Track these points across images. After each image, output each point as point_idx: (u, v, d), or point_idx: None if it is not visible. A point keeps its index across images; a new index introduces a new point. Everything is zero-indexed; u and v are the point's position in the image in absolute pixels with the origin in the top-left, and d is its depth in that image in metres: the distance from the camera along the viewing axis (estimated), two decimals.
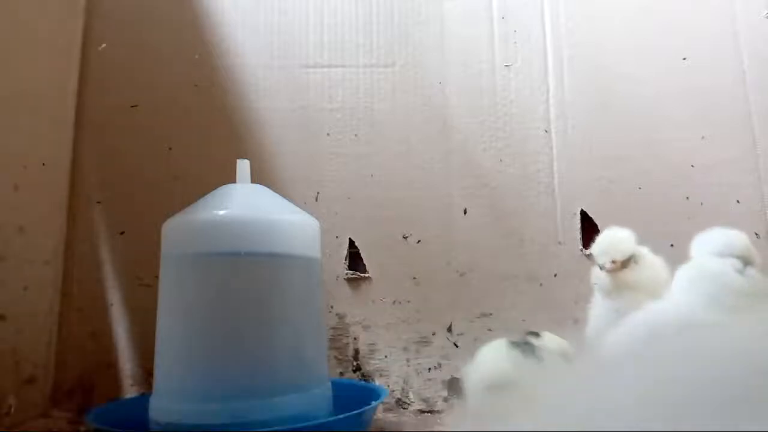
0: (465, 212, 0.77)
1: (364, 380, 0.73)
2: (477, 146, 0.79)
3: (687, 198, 0.76)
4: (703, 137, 0.77)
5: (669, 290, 0.52)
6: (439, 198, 0.78)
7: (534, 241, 0.76)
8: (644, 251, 0.58)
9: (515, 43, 0.81)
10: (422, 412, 0.71)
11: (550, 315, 0.72)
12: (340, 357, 0.74)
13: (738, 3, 0.80)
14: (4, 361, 0.63)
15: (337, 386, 0.57)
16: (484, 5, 0.82)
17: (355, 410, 0.51)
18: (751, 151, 0.77)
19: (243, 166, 0.59)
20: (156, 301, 0.54)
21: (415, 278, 0.76)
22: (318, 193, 0.78)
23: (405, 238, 0.77)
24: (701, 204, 0.76)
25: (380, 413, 0.68)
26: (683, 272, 0.52)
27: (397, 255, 0.76)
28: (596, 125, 0.79)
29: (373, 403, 0.54)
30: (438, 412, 0.71)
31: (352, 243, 0.77)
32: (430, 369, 0.73)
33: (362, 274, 0.76)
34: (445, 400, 0.72)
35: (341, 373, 0.73)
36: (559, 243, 0.76)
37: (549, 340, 0.53)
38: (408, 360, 0.74)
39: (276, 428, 0.47)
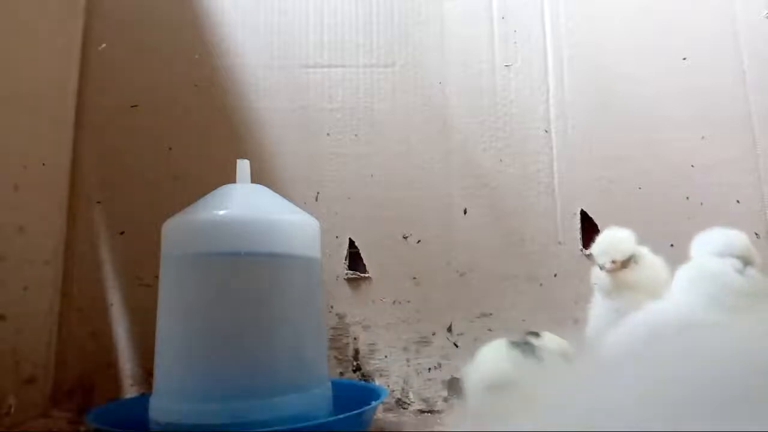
0: (465, 212, 0.77)
1: (364, 380, 0.73)
2: (477, 146, 0.79)
3: (687, 198, 0.76)
4: (703, 137, 0.77)
5: (669, 290, 0.52)
6: (439, 198, 0.78)
7: (534, 241, 0.76)
8: (644, 251, 0.58)
9: (515, 43, 0.81)
10: (422, 412, 0.71)
11: (550, 315, 0.72)
12: (340, 357, 0.74)
13: (738, 3, 0.80)
14: (4, 361, 0.63)
15: (337, 386, 0.57)
16: (484, 5, 0.82)
17: (355, 410, 0.51)
18: (751, 151, 0.77)
19: (243, 166, 0.59)
20: (156, 301, 0.54)
21: (415, 278, 0.76)
22: (318, 193, 0.78)
23: (405, 238, 0.77)
24: (701, 204, 0.76)
25: (380, 413, 0.68)
26: (683, 272, 0.52)
27: (397, 255, 0.76)
28: (596, 125, 0.79)
29: (373, 403, 0.54)
30: (438, 412, 0.71)
31: (352, 243, 0.77)
32: (430, 369, 0.73)
33: (362, 274, 0.76)
34: (445, 400, 0.72)
35: (341, 373, 0.73)
36: (559, 243, 0.76)
37: (549, 340, 0.53)
38: (408, 360, 0.74)
39: (276, 428, 0.47)
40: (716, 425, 0.19)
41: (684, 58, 0.80)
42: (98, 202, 0.77)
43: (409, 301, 0.75)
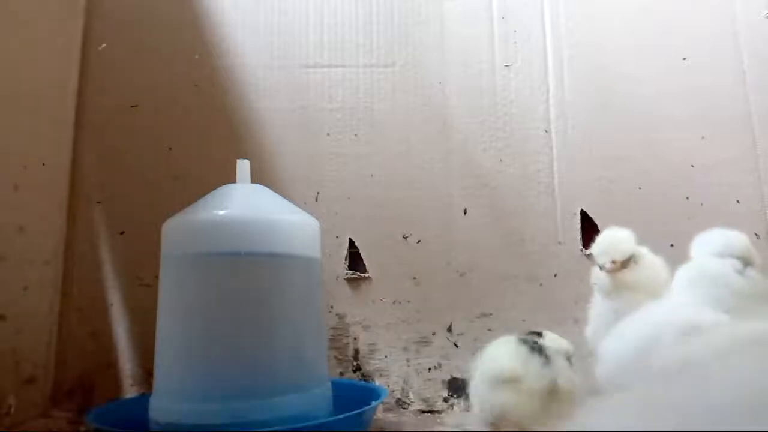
0: (465, 212, 0.77)
1: (364, 380, 0.73)
2: (477, 146, 0.79)
3: (687, 198, 0.76)
4: (703, 137, 0.77)
5: (669, 290, 0.53)
6: (439, 198, 0.77)
7: (534, 241, 0.76)
8: (644, 251, 0.58)
9: (515, 43, 0.81)
10: (422, 412, 0.71)
11: (550, 315, 0.72)
12: (340, 357, 0.74)
13: (738, 3, 0.80)
14: (4, 361, 0.63)
15: (337, 386, 0.57)
16: (484, 5, 0.82)
17: (355, 410, 0.51)
18: (751, 151, 0.77)
19: (243, 166, 0.59)
20: (156, 301, 0.54)
21: (415, 278, 0.76)
22: (318, 193, 0.78)
23: (405, 238, 0.77)
24: (701, 204, 0.76)
25: (380, 413, 0.68)
26: (683, 272, 0.52)
27: (397, 255, 0.76)
28: (596, 125, 0.79)
29: (373, 403, 0.54)
30: (438, 412, 0.71)
31: (352, 243, 0.77)
32: (430, 369, 0.73)
33: (362, 274, 0.76)
34: (445, 400, 0.72)
35: (341, 373, 0.73)
36: (559, 243, 0.76)
37: (550, 340, 0.53)
38: (408, 360, 0.74)
39: (276, 428, 0.47)
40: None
41: (684, 58, 0.80)
42: (98, 202, 0.77)
43: (409, 301, 0.75)
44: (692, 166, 0.77)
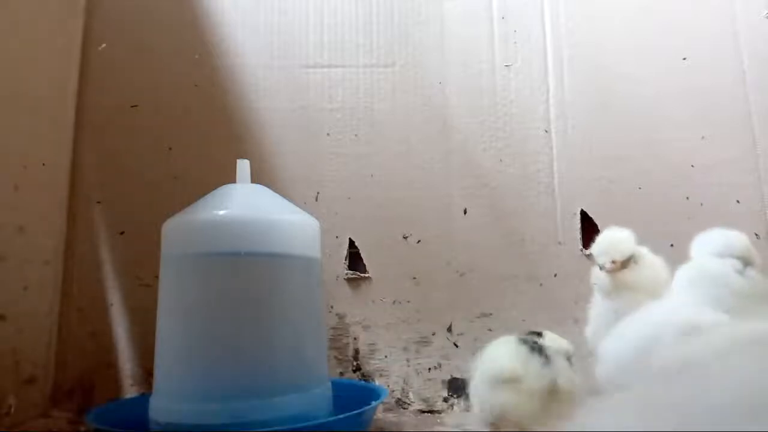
0: (465, 212, 0.77)
1: (364, 380, 0.73)
2: (477, 146, 0.79)
3: (687, 198, 0.76)
4: (703, 137, 0.77)
5: (669, 290, 0.53)
6: (439, 198, 0.78)
7: (534, 241, 0.76)
8: (644, 251, 0.58)
9: (515, 43, 0.81)
10: (422, 412, 0.71)
11: (550, 315, 0.72)
12: (340, 357, 0.74)
13: (738, 3, 0.80)
14: (4, 361, 0.63)
15: (337, 386, 0.57)
16: (484, 5, 0.82)
17: (355, 410, 0.51)
18: (751, 151, 0.77)
19: (243, 166, 0.59)
20: (156, 301, 0.54)
21: (415, 278, 0.76)
22: (318, 193, 0.78)
23: (405, 238, 0.77)
24: (701, 204, 0.76)
25: (380, 413, 0.68)
26: (683, 272, 0.52)
27: (397, 255, 0.76)
28: (596, 125, 0.79)
29: (373, 403, 0.54)
30: (438, 412, 0.71)
31: (352, 243, 0.77)
32: (430, 369, 0.73)
33: (362, 274, 0.76)
34: (445, 400, 0.72)
35: (341, 373, 0.73)
36: (559, 243, 0.76)
37: (550, 340, 0.53)
38: (408, 360, 0.74)
39: (276, 428, 0.47)
40: None
41: (684, 58, 0.80)
42: (98, 202, 0.77)
43: (409, 301, 0.75)
44: (692, 166, 0.77)
